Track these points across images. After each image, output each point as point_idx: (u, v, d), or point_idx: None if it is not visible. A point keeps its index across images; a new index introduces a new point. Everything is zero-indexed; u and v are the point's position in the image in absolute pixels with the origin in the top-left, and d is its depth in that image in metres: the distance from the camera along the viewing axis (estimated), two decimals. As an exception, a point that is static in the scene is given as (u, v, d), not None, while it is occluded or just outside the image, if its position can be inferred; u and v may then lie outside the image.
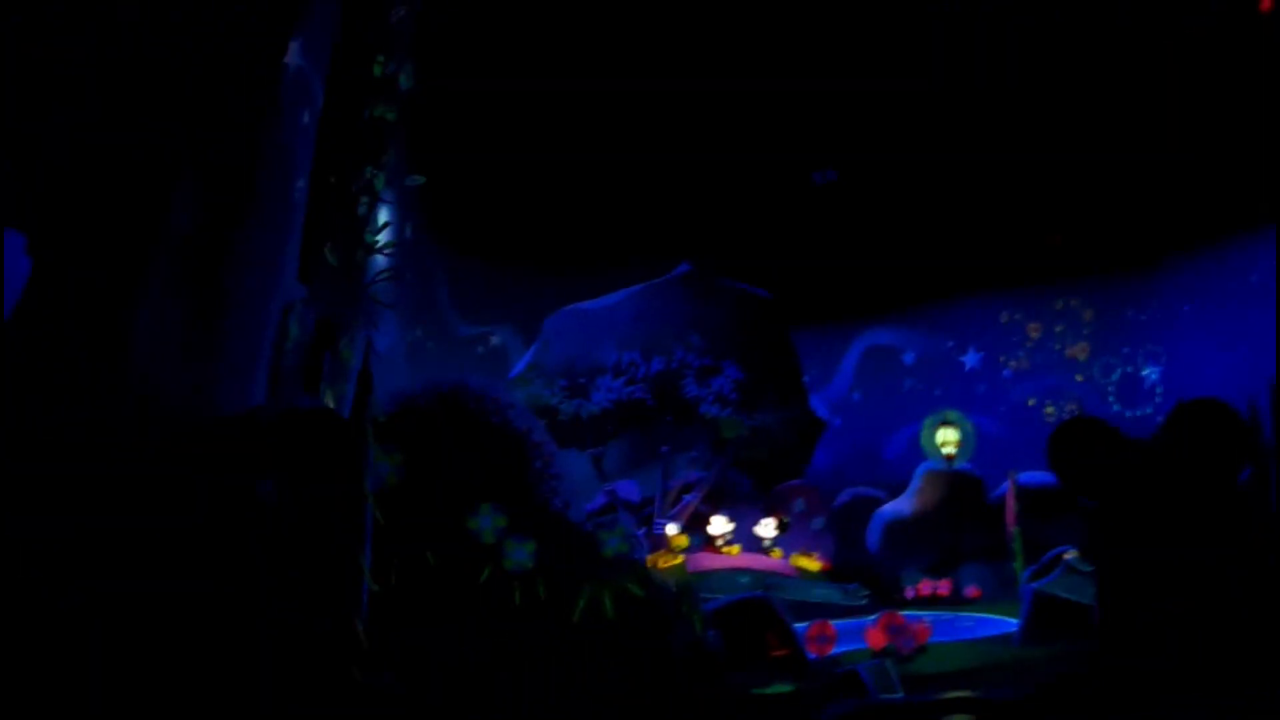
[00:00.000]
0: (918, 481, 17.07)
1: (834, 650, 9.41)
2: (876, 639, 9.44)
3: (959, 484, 16.95)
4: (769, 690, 8.13)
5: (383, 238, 10.66)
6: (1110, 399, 20.43)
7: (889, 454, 21.30)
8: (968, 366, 21.29)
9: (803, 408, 17.85)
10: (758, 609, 8.77)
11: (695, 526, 16.78)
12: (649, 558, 16.16)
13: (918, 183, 20.18)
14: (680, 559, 15.98)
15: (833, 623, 14.16)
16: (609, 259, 18.89)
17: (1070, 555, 16.57)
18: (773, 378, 17.68)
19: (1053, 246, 20.13)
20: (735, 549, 16.31)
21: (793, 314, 21.37)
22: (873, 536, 17.08)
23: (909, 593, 16.22)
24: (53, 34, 6.19)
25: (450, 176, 18.41)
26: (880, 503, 17.49)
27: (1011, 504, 16.44)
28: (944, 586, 16.05)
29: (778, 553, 16.48)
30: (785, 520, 16.79)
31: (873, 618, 10.22)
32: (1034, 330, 20.94)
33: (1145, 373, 20.17)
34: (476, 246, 19.23)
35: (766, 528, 16.62)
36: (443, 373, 18.61)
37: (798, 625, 9.10)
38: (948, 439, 16.22)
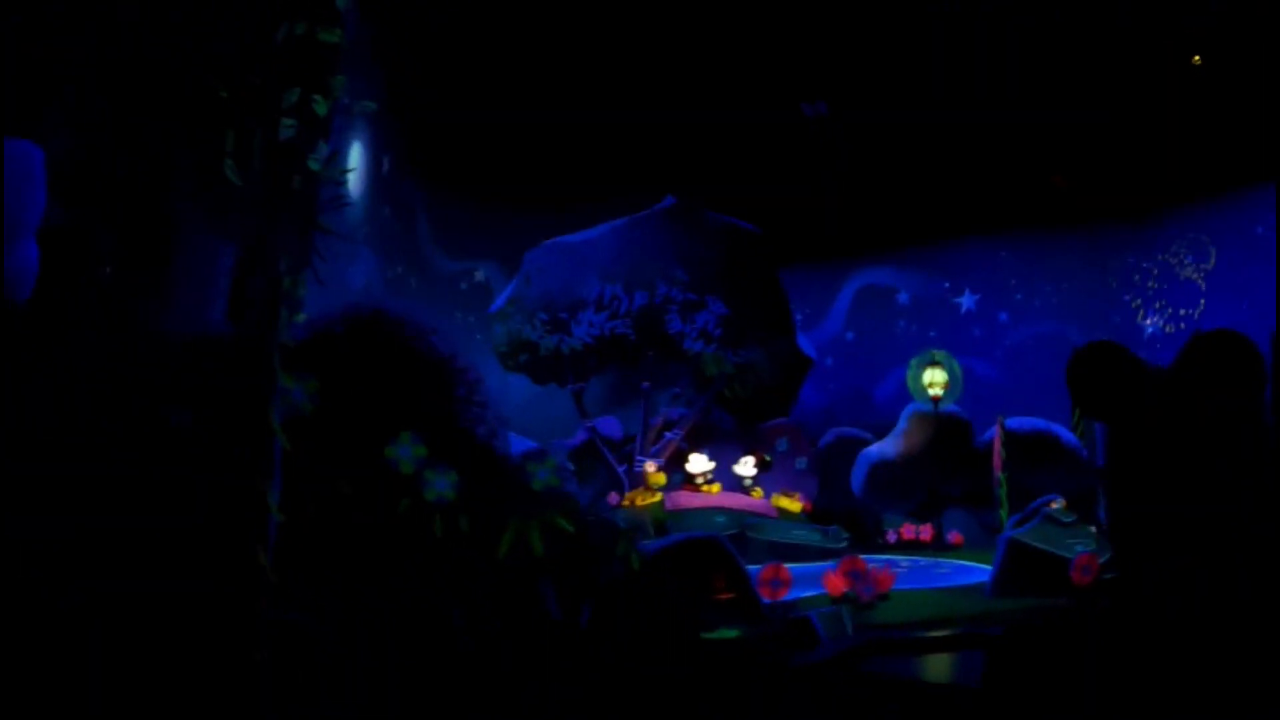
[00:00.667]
0: (904, 423, 16.72)
1: (790, 595, 9.08)
2: (835, 585, 9.08)
3: (946, 427, 16.58)
4: (715, 635, 7.83)
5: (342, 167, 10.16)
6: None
7: (880, 395, 20.91)
8: (963, 308, 20.78)
9: (789, 345, 17.39)
10: (706, 549, 8.43)
11: (676, 464, 16.50)
12: (627, 495, 15.94)
13: (916, 118, 19.46)
14: (658, 497, 15.70)
15: (806, 566, 14.10)
16: (596, 192, 18.36)
17: (1056, 504, 16.28)
18: (759, 314, 17.20)
19: (1055, 188, 19.45)
20: (715, 488, 16.03)
21: (785, 251, 20.85)
22: (857, 478, 16.77)
23: (890, 536, 15.97)
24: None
25: (432, 110, 17.92)
26: (865, 443, 17.16)
27: (998, 449, 16.05)
28: (926, 531, 15.78)
29: (758, 492, 16.19)
30: (767, 459, 16.48)
31: (833, 563, 9.88)
32: None
33: (1144, 322, 19.63)
34: (460, 181, 18.70)
35: (747, 466, 16.32)
36: (425, 308, 18.46)
37: (751, 568, 8.77)
38: (934, 380, 15.79)
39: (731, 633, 7.91)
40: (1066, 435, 16.94)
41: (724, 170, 19.83)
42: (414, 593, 6.58)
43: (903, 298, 21.19)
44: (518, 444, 18.17)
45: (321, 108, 9.83)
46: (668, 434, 16.78)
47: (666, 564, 7.99)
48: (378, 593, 6.56)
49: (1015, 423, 16.64)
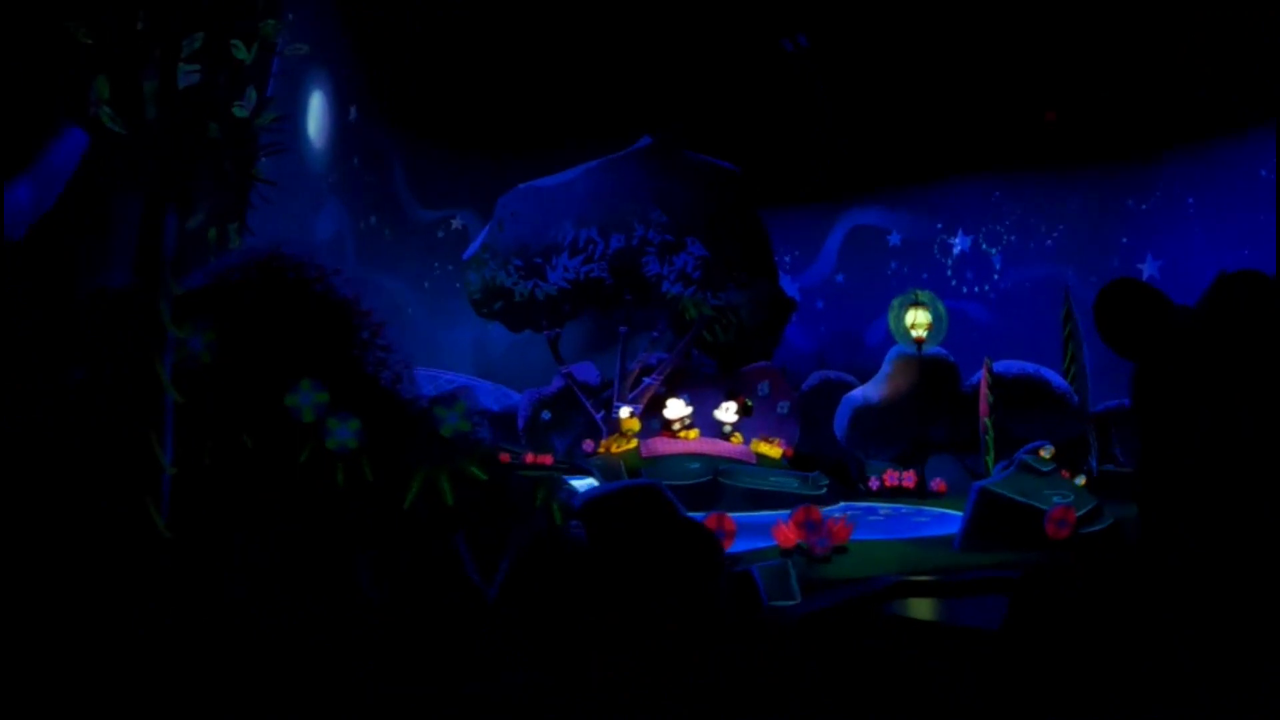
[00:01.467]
0: (887, 366, 16.24)
1: (735, 546, 8.73)
2: (786, 536, 8.67)
3: (931, 370, 16.10)
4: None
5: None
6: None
7: (872, 339, 20.45)
8: (956, 250, 20.20)
9: (771, 286, 16.88)
10: (641, 497, 8.02)
11: (655, 410, 16.13)
12: (603, 443, 15.60)
13: (905, 52, 18.75)
14: (633, 443, 15.35)
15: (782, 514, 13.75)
16: (576, 135, 17.82)
17: (1044, 451, 15.83)
18: (739, 255, 16.68)
19: (1047, 124, 18.75)
20: (693, 433, 15.64)
21: (773, 192, 20.27)
22: (840, 423, 16.35)
23: (873, 483, 15.60)
24: None
25: (402, 56, 17.35)
26: (849, 387, 16.73)
27: (984, 393, 15.61)
28: (909, 478, 15.38)
29: (738, 438, 15.81)
30: (748, 404, 16.06)
31: (786, 513, 9.48)
32: None
33: (1141, 266, 19.00)
34: (435, 128, 18.19)
35: (727, 411, 15.92)
36: (399, 259, 18.14)
37: (697, 515, 8.39)
38: (918, 321, 15.25)
39: None
40: (1056, 379, 16.49)
41: (709, 110, 19.25)
42: (317, 544, 6.27)
43: (894, 239, 20.62)
44: (497, 393, 17.89)
45: (242, 53, 9.27)
46: (646, 379, 16.38)
47: (596, 515, 7.61)
48: (279, 544, 6.26)
49: (1002, 366, 16.18)
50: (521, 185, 16.85)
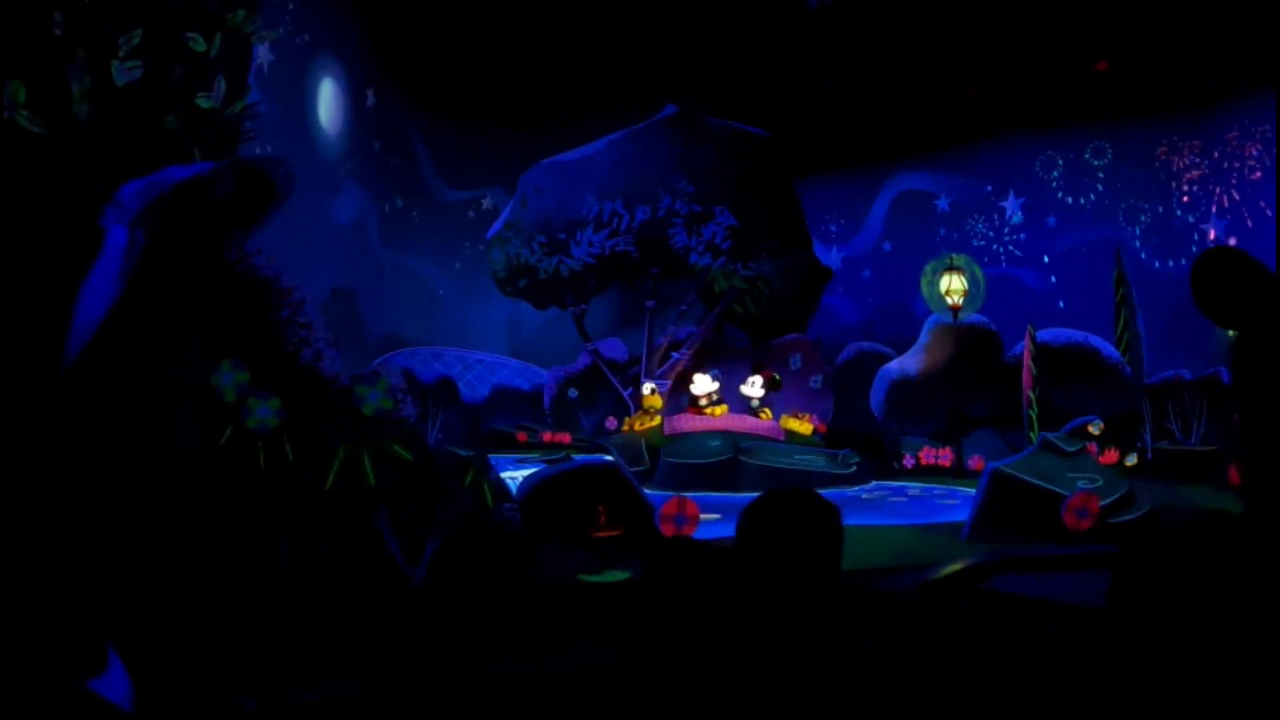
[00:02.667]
0: (925, 336, 15.53)
1: (699, 533, 8.26)
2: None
3: (972, 339, 15.35)
4: (598, 578, 7.08)
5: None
6: (1163, 251, 18.20)
7: (921, 309, 19.54)
8: (1008, 213, 19.25)
9: (805, 255, 16.28)
10: (596, 478, 7.62)
11: (683, 385, 15.72)
12: (626, 420, 15.26)
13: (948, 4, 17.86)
14: (657, 420, 14.99)
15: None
16: (603, 106, 17.39)
17: (1094, 427, 14.96)
18: (770, 224, 16.12)
19: (1099, 74, 17.67)
20: (719, 409, 15.16)
21: (815, 159, 19.60)
22: (876, 397, 15.70)
23: (908, 461, 14.90)
24: None
25: (420, 39, 17.13)
26: (887, 359, 16.04)
27: (1028, 364, 14.81)
28: (945, 456, 14.63)
29: (767, 413, 15.28)
30: (775, 378, 15.52)
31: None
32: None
33: (1206, 225, 17.83)
34: (460, 109, 17.94)
35: (754, 386, 15.40)
36: (429, 241, 18.00)
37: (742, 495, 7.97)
38: (953, 287, 14.47)
39: (619, 575, 7.16)
40: (1108, 349, 15.59)
41: (742, 76, 18.65)
42: (239, 525, 6.08)
43: (942, 204, 19.74)
44: (527, 372, 17.68)
45: (200, 45, 9.25)
46: (675, 354, 15.97)
47: (544, 496, 7.27)
48: (202, 525, 6.10)
49: (1048, 334, 15.36)
50: (544, 161, 16.52)
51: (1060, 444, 10.09)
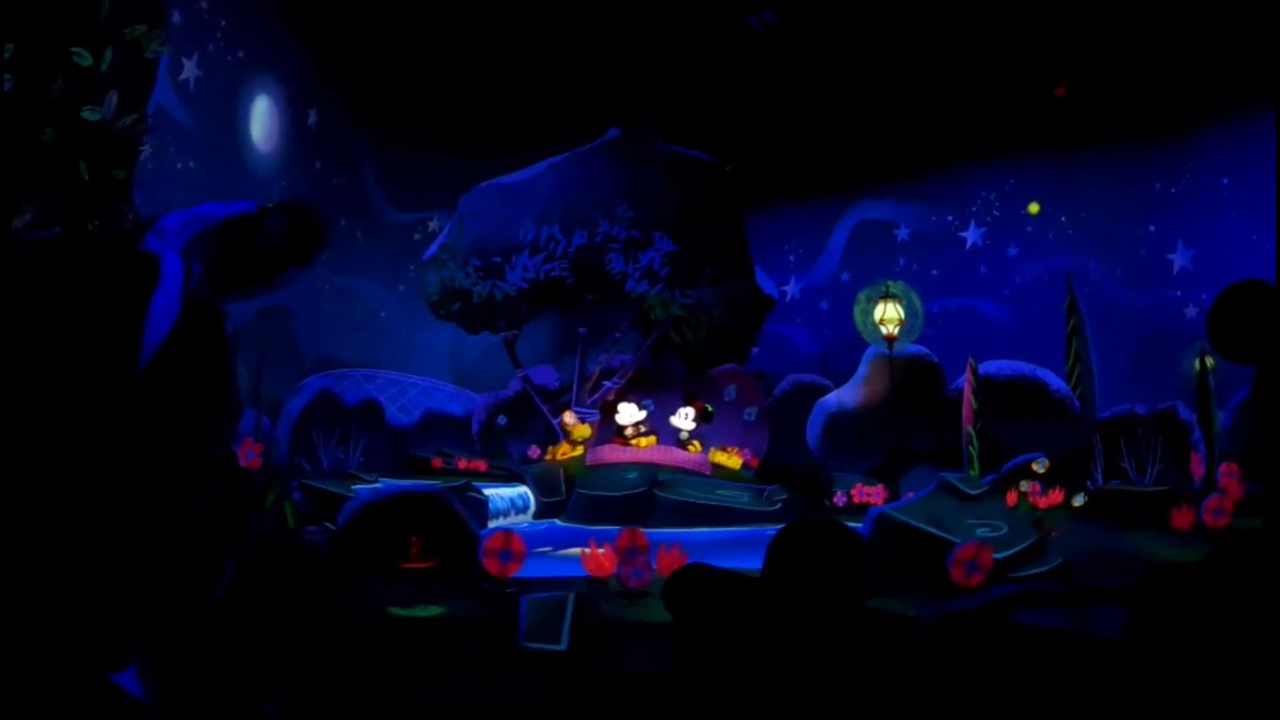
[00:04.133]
0: (864, 368, 15.01)
1: (557, 570, 7.78)
2: (598, 563, 7.51)
3: (913, 372, 14.80)
4: (408, 612, 6.65)
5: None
6: (1129, 282, 17.55)
7: (878, 341, 19.10)
8: (969, 243, 18.68)
9: (747, 283, 15.81)
10: (413, 505, 7.19)
11: (610, 415, 15.26)
12: (550, 449, 14.82)
13: (907, 26, 17.39)
14: (579, 450, 14.54)
15: (726, 531, 12.65)
16: (557, 131, 17.07)
17: (1038, 465, 14.22)
18: (712, 250, 15.68)
19: (1059, 100, 17.15)
20: (645, 441, 14.70)
21: (774, 187, 19.17)
22: (813, 431, 15.16)
23: (839, 499, 14.32)
24: None
25: (368, 58, 16.87)
26: (826, 392, 15.52)
27: (968, 397, 14.24)
28: (877, 494, 14.02)
29: (696, 446, 14.78)
30: (708, 409, 15.03)
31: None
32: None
33: (1172, 256, 17.17)
34: (409, 129, 17.63)
35: (684, 418, 14.92)
36: (372, 262, 17.67)
37: (484, 533, 7.51)
38: (887, 316, 13.93)
39: (431, 610, 6.72)
40: (1055, 382, 14.98)
41: (700, 102, 18.26)
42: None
43: (902, 233, 19.19)
44: (461, 397, 17.26)
45: (86, 60, 9.15)
46: (606, 383, 15.53)
47: (357, 522, 6.85)
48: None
49: (993, 366, 14.79)
50: (483, 183, 16.22)
51: (961, 486, 9.50)
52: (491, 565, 7.07)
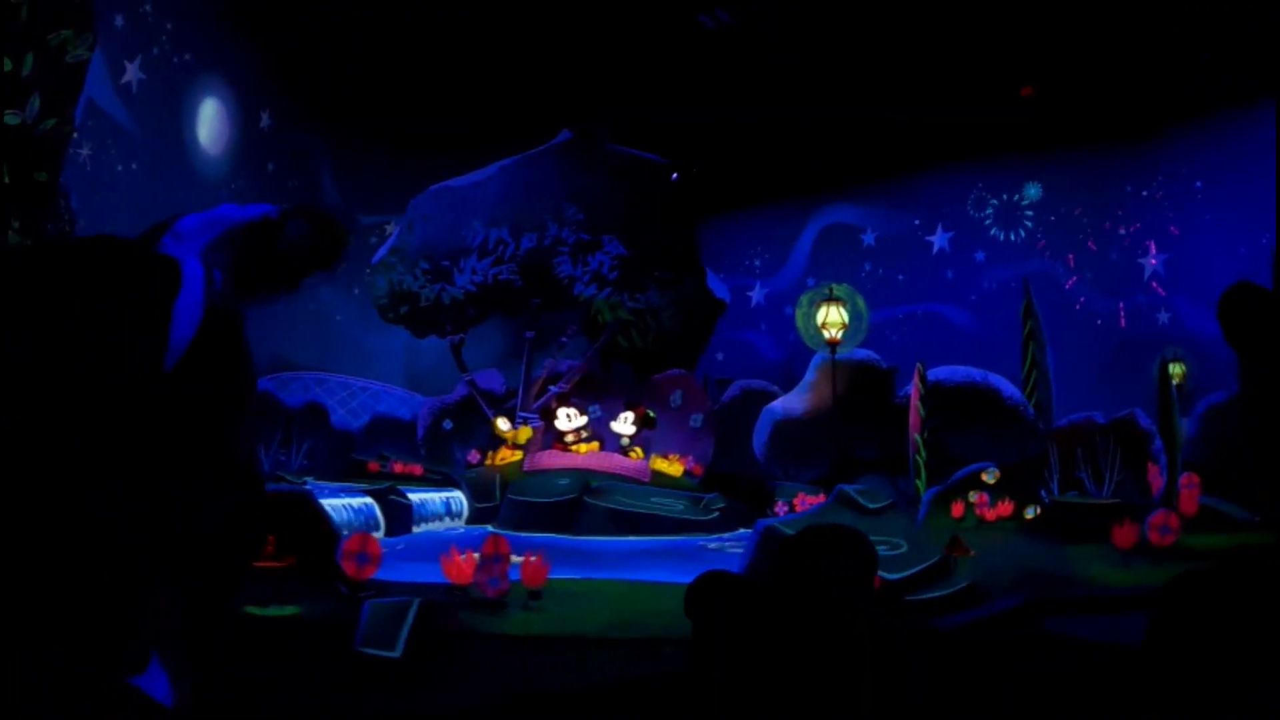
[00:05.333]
0: (812, 373, 14.64)
1: (414, 575, 7.54)
2: (457, 569, 7.26)
3: (861, 378, 14.46)
4: (263, 611, 6.49)
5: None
6: (1099, 288, 17.16)
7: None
8: (935, 248, 18.34)
9: (697, 287, 15.56)
10: (275, 506, 7.02)
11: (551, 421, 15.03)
12: (490, 454, 14.62)
13: (876, 27, 17.09)
14: (518, 456, 14.33)
15: (659, 540, 12.33)
16: (516, 134, 16.89)
17: (988, 475, 13.70)
18: (662, 253, 15.45)
19: (1027, 102, 16.79)
20: (586, 447, 14.46)
21: (738, 190, 18.94)
22: (759, 438, 14.84)
23: (780, 508, 13.91)
24: None
25: (323, 59, 16.77)
26: (775, 398, 15.20)
27: (915, 404, 13.89)
28: (819, 504, 13.63)
29: (638, 452, 14.53)
30: (649, 415, 14.76)
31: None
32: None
33: (1143, 260, 16.77)
34: (367, 133, 17.55)
35: (625, 423, 14.66)
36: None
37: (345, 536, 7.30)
38: (829, 320, 13.57)
39: (288, 610, 6.55)
40: (1008, 389, 14.53)
41: (664, 105, 18.05)
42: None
43: (868, 238, 18.89)
44: (411, 401, 17.11)
45: (6, 65, 9.17)
46: (552, 387, 15.31)
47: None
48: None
49: (943, 372, 14.38)
50: (434, 186, 16.05)
51: (860, 499, 9.02)
52: (348, 567, 6.88)
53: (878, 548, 8.64)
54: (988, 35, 16.90)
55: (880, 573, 7.64)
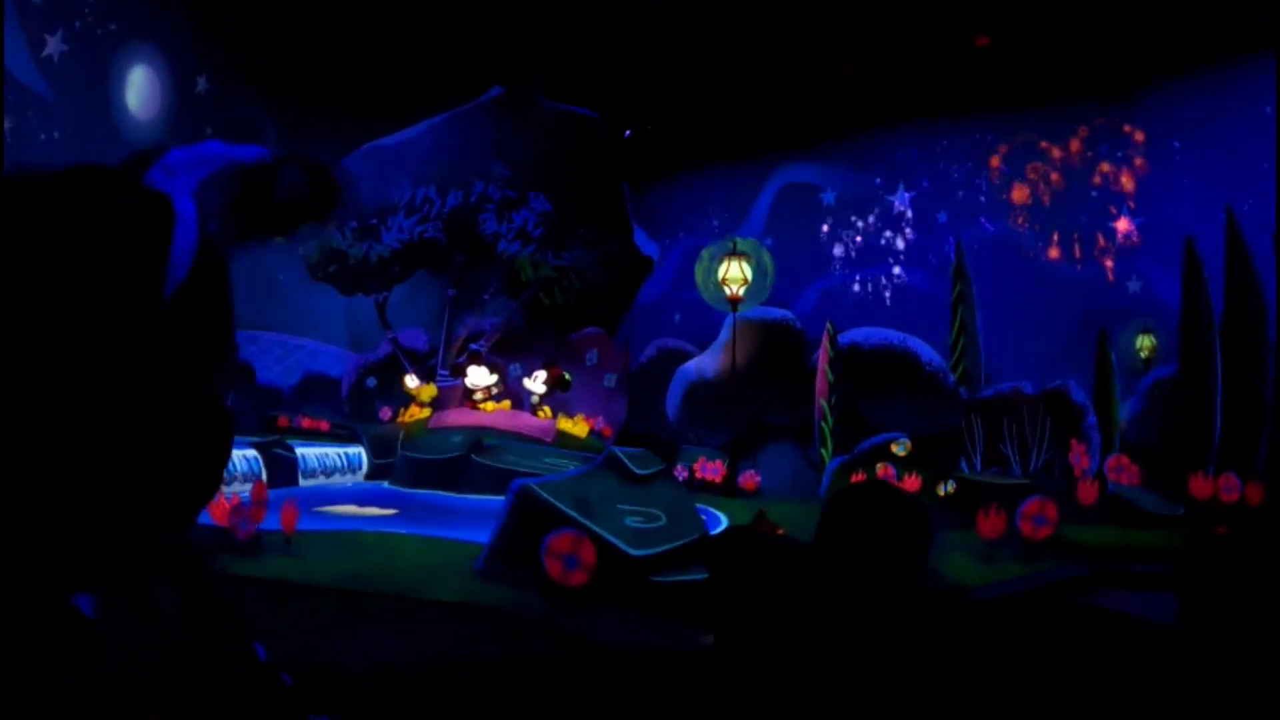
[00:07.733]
0: (725, 333, 14.23)
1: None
2: (221, 512, 7.27)
3: (775, 339, 14.03)
4: None
5: None
6: (1067, 252, 16.24)
7: (801, 309, 18.19)
8: (896, 208, 17.61)
9: (624, 244, 15.23)
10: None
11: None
12: (402, 411, 14.64)
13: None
14: (426, 413, 14.30)
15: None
16: (461, 90, 16.72)
17: (898, 446, 13.07)
18: (589, 210, 15.16)
19: (982, 51, 15.92)
20: (495, 405, 14.35)
21: (699, 149, 18.49)
22: (673, 400, 14.54)
23: (679, 473, 13.49)
24: None
25: (261, 20, 16.73)
26: (690, 358, 14.84)
27: (823, 369, 13.43)
28: (717, 469, 13.25)
29: (546, 411, 14.36)
30: (566, 377, 14.55)
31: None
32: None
33: (1115, 225, 15.79)
34: (310, 95, 17.51)
35: (536, 381, 14.49)
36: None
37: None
38: (729, 275, 13.09)
39: None
40: (927, 353, 13.94)
41: (618, 61, 17.68)
42: None
43: (827, 197, 18.24)
44: (345, 359, 17.20)
45: None
46: (473, 345, 15.21)
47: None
48: None
49: (859, 334, 13.89)
50: (364, 145, 16.02)
51: (630, 464, 8.01)
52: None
53: (629, 519, 7.98)
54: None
55: (623, 546, 7.27)
